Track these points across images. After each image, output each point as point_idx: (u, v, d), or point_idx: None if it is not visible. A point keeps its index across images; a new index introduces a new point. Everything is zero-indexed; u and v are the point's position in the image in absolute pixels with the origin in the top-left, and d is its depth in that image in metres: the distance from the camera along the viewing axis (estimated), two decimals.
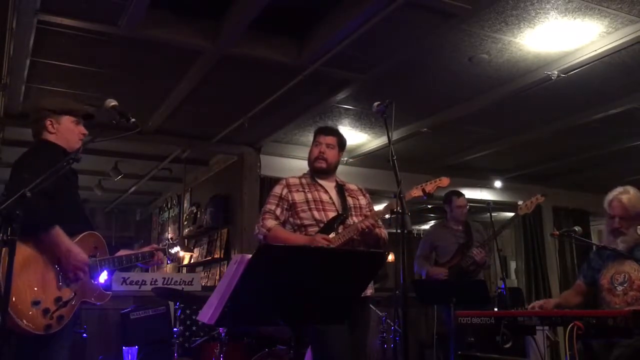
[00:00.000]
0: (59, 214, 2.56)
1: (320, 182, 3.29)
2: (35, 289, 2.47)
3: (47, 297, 2.50)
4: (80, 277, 2.61)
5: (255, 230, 3.24)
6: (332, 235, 3.11)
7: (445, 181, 3.25)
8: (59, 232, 2.52)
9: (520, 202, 4.81)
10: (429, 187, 3.18)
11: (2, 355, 2.05)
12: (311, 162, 3.33)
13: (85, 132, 2.84)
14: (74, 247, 2.58)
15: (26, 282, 2.43)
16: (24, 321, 2.39)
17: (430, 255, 5.29)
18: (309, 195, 3.21)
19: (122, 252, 2.90)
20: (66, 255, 2.54)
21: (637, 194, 3.36)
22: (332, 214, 3.17)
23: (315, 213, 3.16)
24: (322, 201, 3.21)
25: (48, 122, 2.76)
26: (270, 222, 3.18)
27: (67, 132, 2.78)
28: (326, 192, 3.25)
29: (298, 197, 3.21)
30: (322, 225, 3.14)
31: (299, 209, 3.18)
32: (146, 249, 3.07)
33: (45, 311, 2.48)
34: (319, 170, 3.30)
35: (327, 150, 3.29)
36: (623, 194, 3.34)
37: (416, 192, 3.16)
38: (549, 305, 3.22)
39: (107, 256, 2.83)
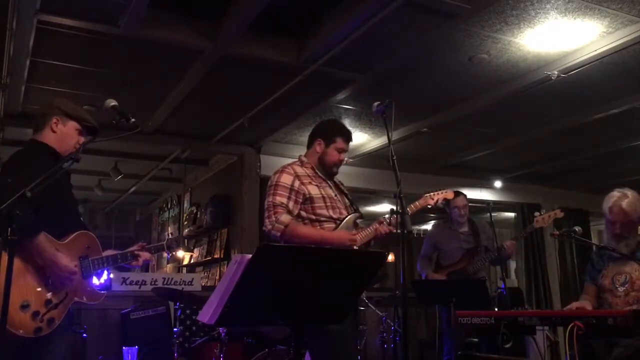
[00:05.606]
0: (46, 217, 2.51)
1: (322, 176, 3.26)
2: (24, 292, 2.43)
3: (36, 300, 2.47)
4: (68, 284, 2.58)
5: (267, 226, 3.02)
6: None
7: (450, 194, 3.47)
8: (42, 241, 2.47)
9: (537, 214, 4.54)
10: (436, 197, 3.36)
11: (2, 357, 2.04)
12: (328, 165, 3.23)
13: (82, 142, 2.79)
14: (58, 257, 2.52)
15: (14, 285, 2.36)
16: (13, 325, 2.34)
17: (433, 255, 5.11)
18: (323, 191, 3.15)
19: (108, 252, 2.86)
20: (50, 265, 2.50)
21: (636, 196, 3.33)
22: (344, 212, 3.17)
23: (331, 212, 3.11)
24: (331, 198, 3.17)
25: (54, 120, 2.75)
26: (285, 217, 2.98)
27: (67, 136, 2.76)
28: (330, 187, 3.23)
29: (313, 190, 3.11)
30: (338, 222, 3.11)
31: (316, 204, 3.09)
32: (132, 248, 2.97)
33: (35, 314, 2.45)
34: (330, 174, 3.27)
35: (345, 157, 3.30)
36: (623, 199, 3.29)
37: (428, 202, 3.35)
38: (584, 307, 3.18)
39: (100, 256, 2.78)
